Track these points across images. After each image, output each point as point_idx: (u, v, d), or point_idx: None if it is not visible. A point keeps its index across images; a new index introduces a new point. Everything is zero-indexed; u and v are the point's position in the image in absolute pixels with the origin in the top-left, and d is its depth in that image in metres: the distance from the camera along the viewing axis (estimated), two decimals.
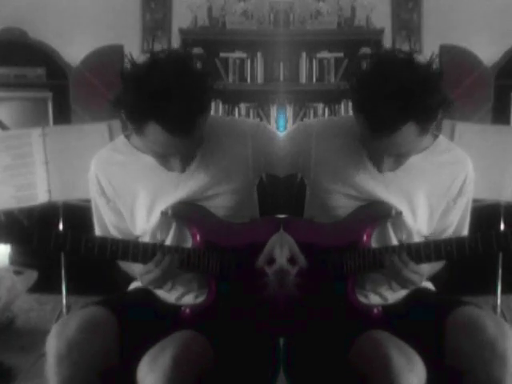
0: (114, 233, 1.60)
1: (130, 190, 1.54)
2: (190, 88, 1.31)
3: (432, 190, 1.52)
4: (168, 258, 1.42)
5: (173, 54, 1.37)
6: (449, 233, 1.58)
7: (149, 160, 1.48)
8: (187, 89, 1.30)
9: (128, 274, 1.62)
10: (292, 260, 1.45)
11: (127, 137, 1.56)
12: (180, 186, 1.51)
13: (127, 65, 1.34)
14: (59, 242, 1.41)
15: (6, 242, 1.42)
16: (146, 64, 1.34)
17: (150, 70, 1.32)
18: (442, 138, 1.54)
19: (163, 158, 1.42)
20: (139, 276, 1.47)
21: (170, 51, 1.38)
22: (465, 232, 1.60)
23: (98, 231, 1.63)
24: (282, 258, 1.44)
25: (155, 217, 1.53)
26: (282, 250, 1.44)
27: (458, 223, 1.58)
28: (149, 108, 1.29)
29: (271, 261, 1.45)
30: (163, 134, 1.32)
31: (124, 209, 1.56)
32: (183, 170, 1.44)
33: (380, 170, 1.44)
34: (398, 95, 1.27)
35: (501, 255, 2.55)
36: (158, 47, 1.40)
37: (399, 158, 1.42)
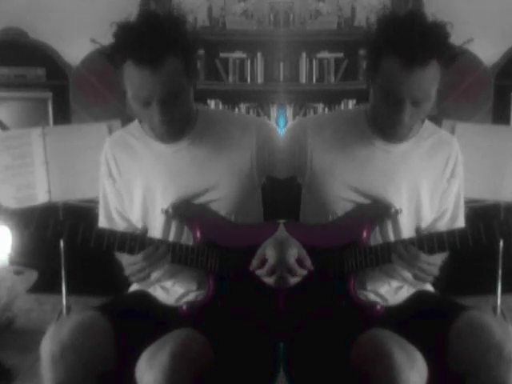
0: (116, 217, 1.61)
1: (134, 173, 1.55)
2: (163, 26, 1.38)
3: (429, 173, 1.54)
4: (158, 252, 1.42)
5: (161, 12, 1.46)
6: (444, 222, 1.59)
7: (156, 147, 1.51)
8: (159, 27, 1.38)
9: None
10: (300, 262, 1.44)
11: (140, 121, 1.57)
12: (183, 177, 1.52)
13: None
14: (57, 229, 1.42)
15: (5, 225, 1.43)
16: (137, 15, 1.44)
17: (137, 18, 1.43)
18: (427, 122, 1.56)
19: (144, 108, 1.42)
20: (124, 265, 1.46)
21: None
22: (461, 221, 1.60)
23: (102, 217, 1.63)
24: (274, 259, 1.43)
25: (153, 206, 1.53)
26: (277, 251, 1.44)
27: (452, 211, 1.59)
28: (125, 45, 1.38)
29: (263, 262, 1.44)
30: (136, 70, 1.36)
31: (124, 190, 1.57)
32: (163, 116, 1.41)
33: (400, 122, 1.41)
34: (424, 34, 1.36)
35: (501, 256, 2.55)
36: None
37: (415, 110, 1.40)
